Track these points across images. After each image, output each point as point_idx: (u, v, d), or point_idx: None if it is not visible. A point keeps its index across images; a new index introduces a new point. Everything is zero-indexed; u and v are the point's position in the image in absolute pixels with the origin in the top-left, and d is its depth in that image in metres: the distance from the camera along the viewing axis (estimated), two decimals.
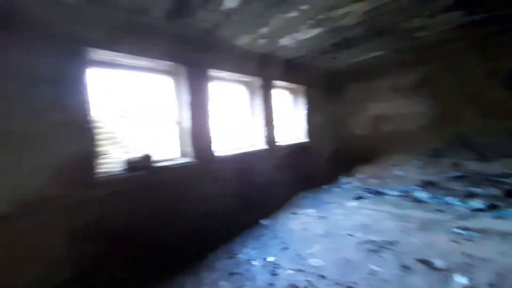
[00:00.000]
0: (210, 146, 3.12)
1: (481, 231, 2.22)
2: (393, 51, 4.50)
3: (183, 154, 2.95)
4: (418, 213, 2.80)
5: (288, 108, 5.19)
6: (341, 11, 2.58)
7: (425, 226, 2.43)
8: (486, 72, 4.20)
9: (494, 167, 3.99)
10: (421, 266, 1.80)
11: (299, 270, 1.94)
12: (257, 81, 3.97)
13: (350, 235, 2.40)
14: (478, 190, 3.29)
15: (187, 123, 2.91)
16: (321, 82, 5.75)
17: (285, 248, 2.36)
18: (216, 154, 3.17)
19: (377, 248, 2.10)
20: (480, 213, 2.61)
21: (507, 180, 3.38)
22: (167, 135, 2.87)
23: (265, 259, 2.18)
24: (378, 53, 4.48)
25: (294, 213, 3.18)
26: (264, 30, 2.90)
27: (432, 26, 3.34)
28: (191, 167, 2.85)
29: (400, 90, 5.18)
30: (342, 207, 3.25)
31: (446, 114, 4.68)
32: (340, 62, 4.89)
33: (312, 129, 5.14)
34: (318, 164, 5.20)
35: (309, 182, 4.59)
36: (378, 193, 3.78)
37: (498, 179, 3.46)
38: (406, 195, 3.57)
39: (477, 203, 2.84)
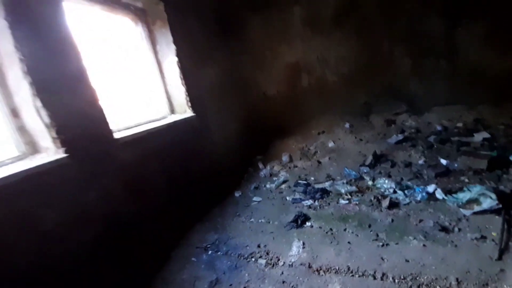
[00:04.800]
0: None
1: None
2: None
3: None
4: (416, 257, 1.31)
5: (141, 56, 2.62)
6: None
7: None
8: None
9: (431, 120, 3.22)
10: None
11: None
12: None
13: None
14: (445, 161, 2.27)
15: None
16: (205, 8, 3.32)
17: None
18: None
19: None
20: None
21: (464, 139, 2.54)
22: None
23: None
24: None
25: None
26: None
27: None
28: None
29: (317, 24, 3.56)
30: (273, 270, 1.41)
31: (374, 57, 3.51)
32: None
33: (198, 94, 2.88)
34: (219, 153, 3.13)
35: (207, 193, 2.52)
36: (322, 193, 2.22)
37: (457, 138, 2.59)
38: (361, 188, 2.15)
39: (479, 196, 1.69)
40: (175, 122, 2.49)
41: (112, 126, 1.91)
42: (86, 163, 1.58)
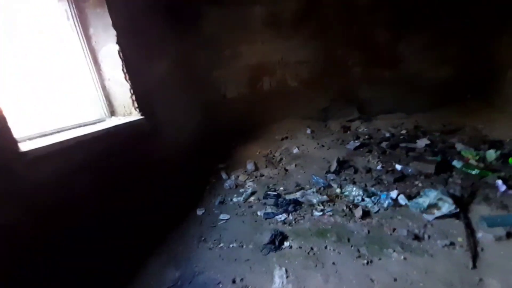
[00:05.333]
0: None
1: None
2: None
3: None
4: (402, 273, 1.27)
5: (67, 41, 2.01)
6: None
7: None
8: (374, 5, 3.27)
9: (379, 126, 3.51)
10: None
11: None
12: None
13: None
14: (400, 166, 2.43)
15: None
16: None
17: None
18: None
19: None
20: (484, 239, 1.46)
21: (410, 145, 2.81)
22: None
23: None
24: None
25: None
26: None
27: None
28: None
29: (278, 25, 3.47)
30: None
31: (330, 64, 3.64)
32: None
33: (146, 93, 2.40)
34: (173, 163, 2.69)
35: (161, 213, 2.07)
36: (295, 205, 2.08)
37: (404, 144, 2.84)
38: (331, 197, 2.10)
39: (437, 201, 1.81)
40: (117, 127, 1.96)
41: (18, 133, 1.34)
42: None
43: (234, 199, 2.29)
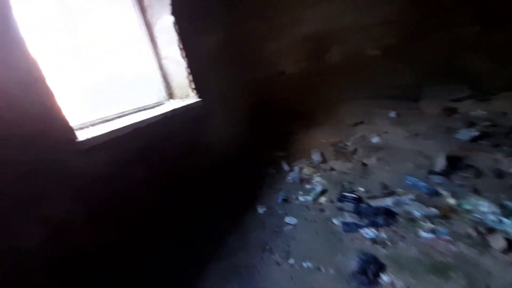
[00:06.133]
0: None
1: None
2: None
3: None
4: None
5: (122, 15, 1.81)
6: None
7: None
8: None
9: (505, 109, 2.50)
10: None
11: None
12: None
13: None
14: None
15: None
16: None
17: None
18: None
19: None
20: None
21: None
22: None
23: None
24: None
25: None
26: None
27: None
28: None
29: None
30: None
31: (429, 22, 2.69)
32: None
33: (200, 71, 2.13)
34: (229, 150, 2.44)
35: (217, 210, 1.86)
36: (387, 217, 1.58)
37: None
38: (443, 210, 1.50)
39: None
40: (174, 112, 1.76)
41: (75, 121, 1.22)
42: (14, 185, 0.89)
43: (300, 198, 1.91)
